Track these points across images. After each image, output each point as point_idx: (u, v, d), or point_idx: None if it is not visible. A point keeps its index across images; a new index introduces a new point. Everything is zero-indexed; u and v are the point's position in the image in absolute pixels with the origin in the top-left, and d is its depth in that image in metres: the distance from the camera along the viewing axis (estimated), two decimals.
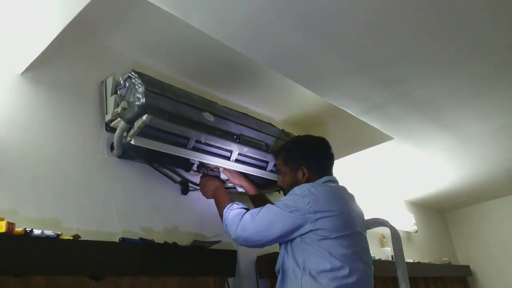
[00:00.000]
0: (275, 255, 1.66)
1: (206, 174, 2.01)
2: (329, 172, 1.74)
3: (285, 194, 1.79)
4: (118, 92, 1.75)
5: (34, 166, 1.51)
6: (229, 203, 1.67)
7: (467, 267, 4.58)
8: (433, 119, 2.47)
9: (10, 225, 1.21)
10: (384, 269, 2.84)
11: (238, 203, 1.67)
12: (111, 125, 1.75)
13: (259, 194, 2.08)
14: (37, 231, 1.26)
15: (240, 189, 2.15)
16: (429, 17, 1.59)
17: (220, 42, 1.64)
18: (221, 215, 1.68)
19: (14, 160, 1.46)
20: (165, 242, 1.58)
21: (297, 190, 1.57)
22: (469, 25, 1.66)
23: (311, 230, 1.47)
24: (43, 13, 1.34)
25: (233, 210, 1.62)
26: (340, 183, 1.74)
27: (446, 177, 3.68)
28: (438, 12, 1.56)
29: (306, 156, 1.75)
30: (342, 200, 1.61)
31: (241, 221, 1.56)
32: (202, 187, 1.93)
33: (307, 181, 1.67)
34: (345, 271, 1.43)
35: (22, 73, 1.58)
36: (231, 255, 1.87)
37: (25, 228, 1.24)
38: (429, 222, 4.63)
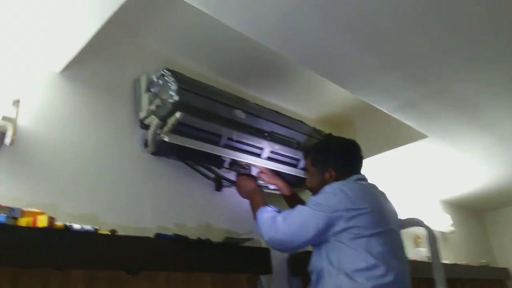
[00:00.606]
0: (308, 253, 1.65)
1: (239, 171, 2.01)
2: (358, 172, 1.73)
3: (313, 193, 1.79)
4: (151, 90, 1.78)
5: (73, 162, 1.55)
6: (262, 206, 1.67)
7: (506, 269, 4.42)
8: (469, 116, 2.40)
9: (51, 220, 1.24)
10: (418, 270, 2.76)
11: (271, 206, 1.67)
12: (145, 122, 1.77)
13: (293, 193, 2.06)
14: (76, 226, 1.30)
15: (272, 186, 2.14)
16: (466, 11, 1.54)
17: (251, 40, 1.64)
18: (254, 217, 1.68)
19: (54, 156, 1.51)
20: (199, 238, 1.59)
21: (328, 188, 1.56)
22: (508, 19, 1.60)
23: (345, 229, 1.46)
24: (80, 13, 1.38)
25: (266, 213, 1.62)
26: (372, 182, 1.71)
27: (483, 177, 3.56)
28: (475, 6, 1.51)
29: (334, 158, 1.74)
30: (374, 197, 1.59)
31: (274, 223, 1.55)
32: (238, 186, 1.93)
33: (334, 181, 1.65)
34: (381, 270, 1.40)
35: (61, 71, 1.63)
36: (264, 252, 1.87)
37: (65, 223, 1.28)
38: (466, 222, 4.49)
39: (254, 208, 1.72)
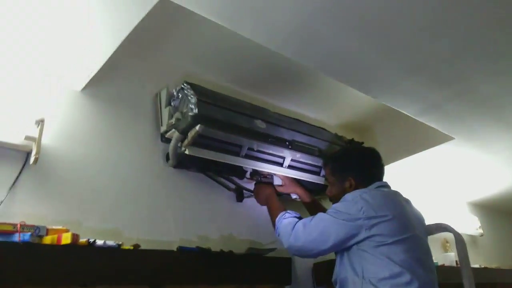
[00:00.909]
0: (332, 262, 1.63)
1: (260, 181, 2.00)
2: (379, 180, 1.70)
3: (333, 203, 1.77)
4: (172, 104, 1.79)
5: (95, 178, 1.57)
6: (282, 212, 1.66)
7: None
8: (496, 117, 2.33)
9: (75, 236, 1.26)
10: (447, 275, 2.70)
11: (290, 212, 1.66)
12: (166, 136, 1.79)
13: (313, 201, 2.05)
14: (99, 242, 1.31)
15: (294, 196, 2.13)
16: (489, 11, 1.49)
17: (269, 49, 1.64)
18: (273, 224, 1.68)
19: (77, 173, 1.53)
20: (221, 250, 1.59)
21: (348, 196, 1.54)
22: None
23: (367, 237, 1.43)
24: (99, 32, 1.40)
25: (286, 219, 1.61)
26: (397, 187, 1.68)
27: (510, 178, 3.45)
28: (499, 6, 1.47)
29: (353, 167, 1.72)
30: (396, 204, 1.57)
31: (293, 230, 1.54)
32: (255, 194, 1.94)
33: (355, 190, 1.62)
34: (406, 277, 1.38)
35: (82, 89, 1.65)
36: (286, 262, 1.86)
37: (88, 239, 1.29)
38: (495, 224, 4.36)
39: (273, 214, 1.72)
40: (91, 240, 1.30)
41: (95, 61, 1.52)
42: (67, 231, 1.29)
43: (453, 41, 1.65)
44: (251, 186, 2.04)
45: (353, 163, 1.75)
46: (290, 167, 2.04)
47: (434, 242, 3.14)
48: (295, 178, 2.07)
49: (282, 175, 2.05)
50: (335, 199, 1.74)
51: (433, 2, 1.43)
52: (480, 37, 1.64)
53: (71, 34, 1.39)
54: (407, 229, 1.48)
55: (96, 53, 1.48)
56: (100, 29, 1.38)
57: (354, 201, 1.49)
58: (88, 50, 1.46)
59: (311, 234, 1.50)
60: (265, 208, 2.04)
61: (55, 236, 1.25)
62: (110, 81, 1.76)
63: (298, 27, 1.50)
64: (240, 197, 1.99)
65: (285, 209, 1.69)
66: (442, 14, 1.49)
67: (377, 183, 1.65)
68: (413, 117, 2.25)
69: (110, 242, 1.33)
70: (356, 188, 1.65)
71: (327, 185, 2.20)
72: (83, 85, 1.63)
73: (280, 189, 2.06)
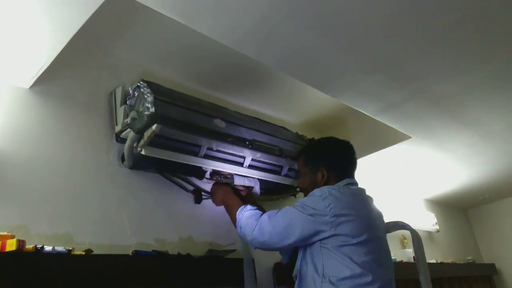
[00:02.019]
0: (292, 262, 1.62)
1: (219, 181, 1.97)
2: (350, 175, 1.69)
3: (304, 194, 1.73)
4: (127, 102, 1.73)
5: (45, 180, 1.49)
6: (242, 206, 1.63)
7: (492, 265, 4.46)
8: (452, 115, 2.39)
9: (21, 243, 1.19)
10: (406, 271, 2.76)
11: (251, 206, 1.63)
12: (121, 136, 1.73)
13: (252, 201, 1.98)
14: (48, 248, 1.25)
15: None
16: (446, 10, 1.52)
17: (229, 47, 1.61)
18: (233, 219, 1.63)
19: (25, 174, 1.45)
20: (179, 253, 1.55)
21: (317, 192, 1.52)
22: (488, 18, 1.59)
23: (332, 236, 1.42)
24: (48, 26, 1.32)
25: (248, 211, 1.58)
26: (361, 186, 1.69)
27: (467, 174, 3.58)
28: (455, 5, 1.50)
29: (326, 157, 1.70)
30: (363, 203, 1.57)
31: (257, 222, 1.51)
32: (212, 194, 1.89)
33: (326, 183, 1.62)
34: (367, 278, 1.38)
35: (30, 87, 1.57)
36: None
37: (35, 245, 1.22)
38: (451, 220, 4.52)
39: (232, 209, 1.67)
40: (39, 246, 1.23)
41: (44, 57, 1.44)
42: (12, 237, 1.21)
43: (411, 40, 1.68)
44: (210, 187, 2.00)
45: (327, 154, 1.72)
46: (250, 166, 2.02)
47: (392, 239, 3.20)
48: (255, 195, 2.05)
49: (246, 190, 2.02)
50: (306, 191, 1.71)
51: (391, 1, 1.44)
52: (437, 37, 1.68)
53: (16, 28, 1.31)
54: (371, 230, 1.49)
55: (44, 49, 1.41)
56: (47, 24, 1.31)
57: (323, 197, 1.47)
58: (35, 45, 1.38)
59: (276, 227, 1.47)
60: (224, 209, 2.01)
61: None
62: (61, 78, 1.68)
63: (256, 25, 1.48)
64: (198, 198, 1.94)
65: (245, 204, 1.66)
66: (400, 13, 1.51)
67: (347, 180, 1.63)
68: (372, 116, 2.29)
69: (60, 248, 1.27)
70: (327, 180, 1.63)
71: (288, 185, 2.21)
72: (32, 82, 1.55)
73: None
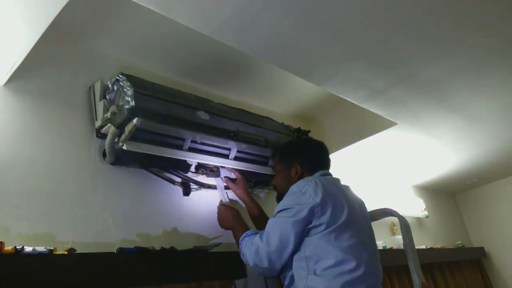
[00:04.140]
0: None
1: (206, 173, 1.95)
2: (324, 168, 1.71)
3: (277, 193, 1.78)
4: (107, 97, 1.69)
5: (24, 179, 1.45)
6: (245, 232, 1.61)
7: (481, 248, 4.50)
8: (438, 100, 2.39)
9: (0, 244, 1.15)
10: (396, 258, 2.77)
11: (252, 230, 1.61)
12: (101, 131, 1.68)
13: (262, 214, 1.97)
14: (28, 248, 1.21)
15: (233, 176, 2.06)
16: None
17: (209, 37, 1.57)
18: (238, 245, 1.62)
19: (2, 174, 1.41)
20: (162, 248, 1.52)
21: (294, 188, 1.53)
22: (470, 2, 1.57)
23: (317, 225, 1.43)
24: (19, 19, 1.28)
25: (248, 237, 1.56)
26: (344, 174, 1.69)
27: (454, 159, 3.59)
28: None
29: (300, 153, 1.75)
30: (339, 191, 1.57)
31: (252, 246, 1.49)
32: (218, 218, 1.84)
33: (300, 178, 1.63)
34: (351, 264, 1.38)
35: (5, 84, 1.52)
36: (237, 256, 1.81)
37: (15, 246, 1.19)
38: (439, 206, 4.55)
39: (237, 235, 1.66)
40: (19, 247, 1.19)
41: (17, 52, 1.39)
42: None
43: (393, 26, 1.66)
44: (198, 178, 1.97)
45: (301, 150, 1.78)
46: (236, 158, 2.00)
47: (382, 226, 3.22)
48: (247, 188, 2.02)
49: (237, 172, 2.00)
50: (279, 189, 1.75)
51: None
52: (420, 21, 1.66)
53: None
54: (349, 215, 1.49)
55: (17, 43, 1.36)
56: (19, 16, 1.26)
57: (302, 192, 1.48)
58: (7, 40, 1.33)
59: (271, 244, 1.45)
60: (212, 201, 2.00)
61: None
62: (37, 74, 1.63)
63: (234, 13, 1.44)
64: (187, 191, 1.91)
65: (248, 229, 1.65)
66: None
67: (321, 172, 1.66)
68: (357, 103, 2.27)
69: (41, 248, 1.23)
70: (301, 175, 1.66)
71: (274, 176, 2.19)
72: (6, 79, 1.49)
73: (229, 184, 2.00)
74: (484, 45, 1.89)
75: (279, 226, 1.46)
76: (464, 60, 2.00)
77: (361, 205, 1.69)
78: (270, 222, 1.51)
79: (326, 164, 1.75)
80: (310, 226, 1.43)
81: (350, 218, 1.48)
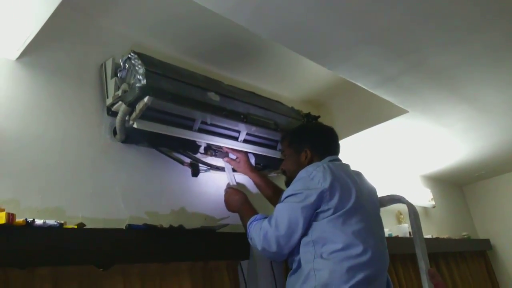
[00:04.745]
0: None
1: (215, 154, 1.95)
2: (333, 154, 1.70)
3: (286, 177, 1.78)
4: (118, 75, 1.68)
5: (35, 155, 1.46)
6: (253, 216, 1.61)
7: (487, 240, 4.49)
8: (449, 89, 2.36)
9: (10, 216, 1.16)
10: (401, 246, 2.77)
11: (261, 215, 1.61)
12: (112, 109, 1.69)
13: (275, 191, 1.98)
14: (39, 221, 1.22)
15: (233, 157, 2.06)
16: None
17: (223, 18, 1.56)
18: (245, 229, 1.62)
19: (14, 149, 1.42)
20: (171, 226, 1.53)
21: (303, 173, 1.52)
22: None
23: (326, 210, 1.43)
24: None
25: (256, 221, 1.56)
26: (353, 161, 1.68)
27: (463, 150, 3.56)
28: None
29: (310, 138, 1.74)
30: (348, 176, 1.56)
31: (261, 230, 1.49)
32: (226, 200, 1.85)
33: (309, 163, 1.63)
34: (358, 249, 1.38)
35: (17, 59, 1.52)
36: (243, 237, 1.82)
37: (26, 219, 1.20)
38: (447, 196, 4.53)
39: (244, 219, 1.65)
40: (29, 220, 1.20)
41: (29, 28, 1.38)
42: (2, 210, 1.18)
43: (408, 11, 1.63)
44: (207, 160, 1.98)
45: (311, 135, 1.77)
46: (245, 141, 1.99)
47: (388, 214, 3.21)
48: (250, 164, 2.03)
49: (238, 152, 2.00)
50: (288, 173, 1.74)
51: None
52: (434, 7, 1.64)
53: None
54: (358, 201, 1.48)
55: (29, 19, 1.35)
56: None
57: (311, 177, 1.48)
58: (20, 14, 1.33)
59: (280, 228, 1.44)
60: (220, 183, 2.00)
61: None
62: (49, 50, 1.63)
63: None
64: (195, 171, 1.92)
65: (257, 213, 1.64)
66: None
67: (329, 157, 1.65)
68: (369, 89, 2.25)
69: (51, 221, 1.25)
70: (311, 160, 1.66)
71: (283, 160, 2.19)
72: (18, 53, 1.49)
73: (232, 164, 2.01)
74: (497, 33, 1.86)
75: (288, 211, 1.46)
76: (476, 48, 1.97)
77: (372, 191, 1.68)
78: (278, 207, 1.51)
79: (335, 149, 1.74)
80: (319, 210, 1.44)
81: (358, 203, 1.47)
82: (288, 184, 1.70)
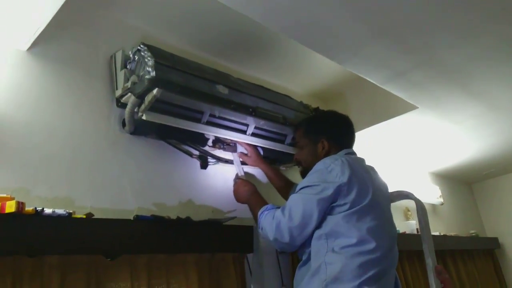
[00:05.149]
0: None
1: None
2: (349, 146, 1.68)
3: (302, 168, 1.74)
4: (127, 66, 1.69)
5: (45, 144, 1.47)
6: (264, 206, 1.58)
7: (495, 239, 4.46)
8: (459, 86, 2.34)
9: (20, 205, 1.18)
10: (409, 242, 2.77)
11: (272, 205, 1.58)
12: (121, 101, 1.69)
13: (286, 183, 1.97)
14: (48, 210, 1.24)
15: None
16: None
17: (232, 11, 1.56)
18: (256, 220, 1.59)
19: (24, 139, 1.43)
20: (178, 217, 1.53)
21: (320, 165, 1.49)
22: None
23: (342, 204, 1.41)
24: None
25: (268, 211, 1.53)
26: (362, 155, 1.67)
27: (473, 147, 3.53)
28: None
29: (328, 128, 1.70)
30: (365, 172, 1.54)
31: (273, 220, 1.46)
32: (235, 191, 1.82)
33: (326, 154, 1.61)
34: (371, 245, 1.36)
35: (28, 49, 1.53)
36: (250, 230, 1.83)
37: (35, 208, 1.21)
38: (455, 194, 4.50)
39: (255, 210, 1.61)
40: (39, 209, 1.22)
41: (39, 18, 1.39)
42: (12, 199, 1.20)
43: (421, 5, 1.61)
44: (215, 153, 1.98)
45: (328, 125, 1.72)
46: (254, 134, 1.99)
47: (396, 210, 3.19)
48: (260, 155, 2.04)
49: (249, 146, 2.00)
50: (304, 164, 1.71)
51: None
52: (448, 3, 1.62)
53: None
54: (373, 197, 1.46)
55: (40, 9, 1.35)
56: None
57: (328, 170, 1.45)
58: (29, 5, 1.33)
59: (293, 219, 1.42)
60: (227, 176, 2.01)
61: None
62: (60, 41, 1.63)
63: None
64: (204, 164, 1.92)
65: (267, 203, 1.62)
66: None
67: (345, 150, 1.62)
68: (378, 85, 2.24)
69: (60, 211, 1.26)
70: (328, 151, 1.63)
71: (291, 154, 2.19)
72: (29, 44, 1.50)
73: (243, 158, 2.02)
74: (508, 33, 1.83)
75: (303, 202, 1.43)
76: (490, 44, 1.95)
77: (385, 188, 1.65)
78: (293, 198, 1.48)
79: (351, 140, 1.71)
80: (334, 204, 1.42)
81: (374, 200, 1.45)
82: (304, 175, 1.65)
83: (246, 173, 2.05)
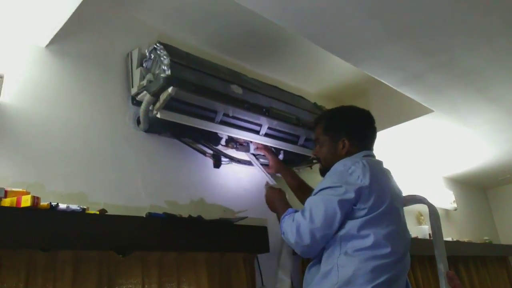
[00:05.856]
0: None
1: (236, 147, 1.96)
2: (369, 147, 1.62)
3: (322, 165, 1.68)
4: (143, 65, 1.71)
5: (61, 140, 1.49)
6: (285, 210, 1.53)
7: (509, 246, 4.39)
8: (476, 90, 2.31)
9: (35, 199, 1.19)
10: (420, 247, 2.74)
11: (293, 209, 1.53)
12: (137, 99, 1.71)
13: (300, 184, 1.96)
14: (62, 206, 1.25)
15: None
16: None
17: (248, 11, 1.56)
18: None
19: (40, 134, 1.45)
20: (190, 216, 1.54)
21: (340, 166, 1.45)
22: None
23: (358, 209, 1.38)
24: None
25: (288, 215, 1.48)
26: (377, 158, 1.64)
27: (488, 152, 3.49)
28: None
29: (349, 127, 1.62)
30: (384, 176, 1.51)
31: (293, 222, 1.41)
32: (267, 199, 1.75)
33: (346, 154, 1.56)
34: (386, 250, 1.34)
35: (47, 46, 1.55)
36: (261, 231, 1.83)
37: (50, 203, 1.23)
38: (469, 199, 4.44)
39: (278, 217, 1.58)
40: (53, 204, 1.23)
41: (58, 15, 1.41)
42: (27, 193, 1.22)
43: (436, 7, 1.60)
44: (229, 152, 1.99)
45: (350, 122, 1.64)
46: (267, 135, 1.99)
47: (408, 214, 3.14)
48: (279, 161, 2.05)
49: (268, 154, 2.02)
50: (324, 163, 1.65)
51: None
52: (465, 5, 1.60)
53: None
54: (391, 202, 1.43)
55: (59, 7, 1.37)
56: None
57: (349, 172, 1.41)
58: (49, 3, 1.35)
59: (315, 221, 1.37)
60: (240, 175, 2.01)
61: (14, 198, 1.18)
62: (78, 38, 1.66)
63: None
64: (217, 163, 1.92)
65: (290, 207, 1.57)
66: None
67: (365, 152, 1.57)
68: (394, 87, 2.22)
69: (74, 206, 1.27)
70: (348, 150, 1.57)
71: (305, 155, 2.18)
72: (48, 40, 1.53)
73: (266, 168, 2.03)
74: None
75: (325, 203, 1.38)
76: (505, 51, 1.93)
77: (399, 191, 1.60)
78: (313, 199, 1.43)
79: (373, 141, 1.65)
80: (354, 207, 1.38)
81: (391, 205, 1.42)
82: (323, 173, 1.60)
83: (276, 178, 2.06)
